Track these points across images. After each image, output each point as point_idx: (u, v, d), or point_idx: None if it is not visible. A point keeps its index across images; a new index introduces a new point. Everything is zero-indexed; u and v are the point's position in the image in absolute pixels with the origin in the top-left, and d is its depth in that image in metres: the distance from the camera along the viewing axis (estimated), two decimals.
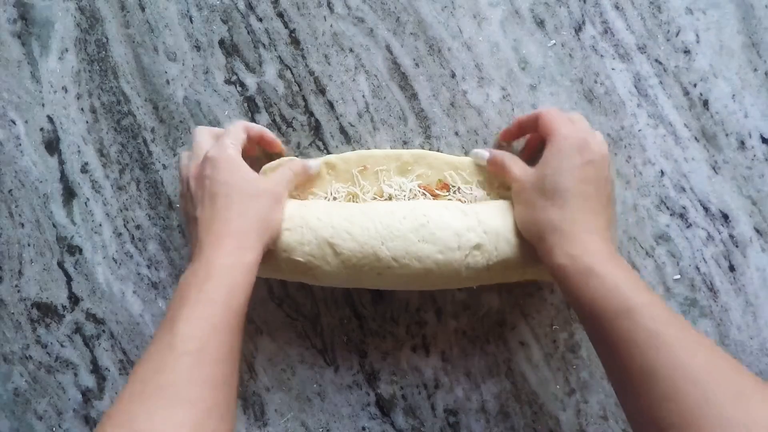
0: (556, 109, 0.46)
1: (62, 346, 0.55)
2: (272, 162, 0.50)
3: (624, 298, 0.37)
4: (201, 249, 0.42)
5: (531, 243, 0.44)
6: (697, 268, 0.51)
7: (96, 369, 0.54)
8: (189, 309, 0.39)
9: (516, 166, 0.47)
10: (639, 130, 0.51)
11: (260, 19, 0.53)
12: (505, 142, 0.51)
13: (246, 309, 0.42)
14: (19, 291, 0.55)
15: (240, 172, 0.45)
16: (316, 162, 0.49)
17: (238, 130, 0.47)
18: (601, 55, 0.51)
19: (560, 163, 0.43)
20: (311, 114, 0.53)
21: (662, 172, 0.51)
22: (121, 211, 0.54)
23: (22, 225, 0.55)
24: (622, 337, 0.36)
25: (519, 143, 0.51)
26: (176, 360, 0.36)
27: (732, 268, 0.50)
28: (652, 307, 0.36)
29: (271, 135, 0.51)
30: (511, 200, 0.47)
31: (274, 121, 0.53)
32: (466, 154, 0.51)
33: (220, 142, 0.46)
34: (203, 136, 0.48)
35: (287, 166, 0.49)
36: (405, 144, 0.52)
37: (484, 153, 0.49)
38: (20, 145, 0.54)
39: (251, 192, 0.45)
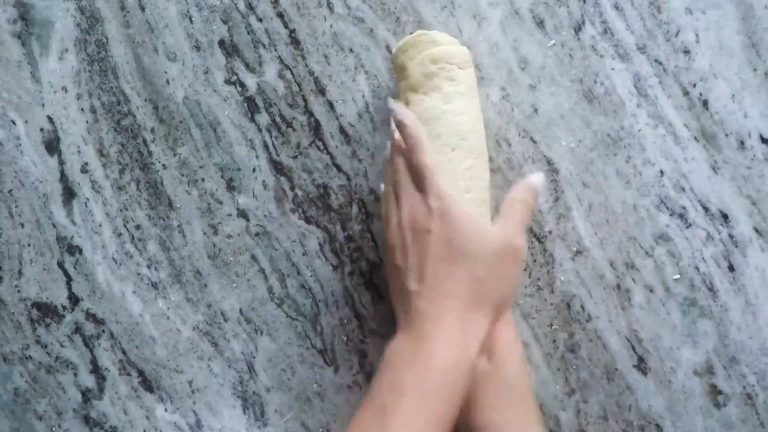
0: None
1: (62, 346, 0.55)
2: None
3: None
4: (419, 323, 0.37)
5: None
6: (697, 268, 0.51)
7: (96, 369, 0.54)
8: (406, 407, 0.35)
9: None
10: (639, 130, 0.51)
11: (260, 19, 0.53)
12: None
13: (458, 412, 0.37)
14: (19, 291, 0.55)
15: (471, 223, 0.37)
16: (540, 177, 0.41)
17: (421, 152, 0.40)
18: (601, 55, 0.51)
19: None
20: (311, 114, 0.53)
21: (662, 172, 0.51)
22: (121, 211, 0.54)
23: (22, 225, 0.55)
24: None
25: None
26: None
27: (732, 268, 0.50)
28: None
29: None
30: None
31: (273, 121, 0.53)
32: None
33: (436, 185, 0.38)
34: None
35: (523, 201, 0.40)
36: None
37: None
38: (20, 145, 0.54)
39: (490, 251, 0.37)
